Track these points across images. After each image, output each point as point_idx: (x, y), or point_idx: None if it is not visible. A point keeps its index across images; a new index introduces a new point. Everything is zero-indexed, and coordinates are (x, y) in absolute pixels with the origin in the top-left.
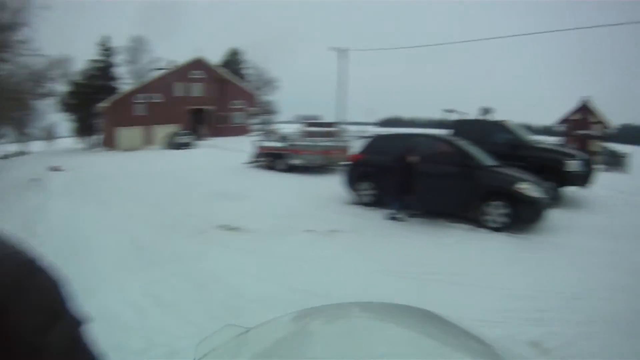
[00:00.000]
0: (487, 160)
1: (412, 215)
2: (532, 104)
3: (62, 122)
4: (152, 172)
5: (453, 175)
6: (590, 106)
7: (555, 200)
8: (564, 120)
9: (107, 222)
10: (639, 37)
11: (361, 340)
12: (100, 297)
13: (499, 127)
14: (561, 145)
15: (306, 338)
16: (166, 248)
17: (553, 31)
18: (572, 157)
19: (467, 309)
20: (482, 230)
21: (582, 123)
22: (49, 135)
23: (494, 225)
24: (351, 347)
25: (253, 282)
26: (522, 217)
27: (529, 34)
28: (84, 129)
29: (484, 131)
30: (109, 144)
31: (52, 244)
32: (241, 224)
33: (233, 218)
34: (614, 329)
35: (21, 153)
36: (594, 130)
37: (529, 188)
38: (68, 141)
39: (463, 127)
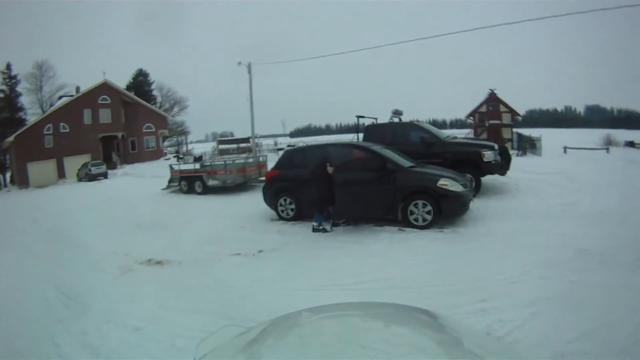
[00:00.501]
0: (405, 161)
1: (336, 225)
2: (442, 100)
3: None
4: (68, 209)
5: (373, 181)
6: (497, 97)
7: (477, 191)
8: (474, 113)
9: (27, 271)
10: (537, 32)
11: (361, 340)
12: None
13: (412, 127)
14: (475, 137)
15: (306, 337)
16: (92, 293)
17: (455, 32)
18: (488, 147)
19: None
20: (410, 229)
21: (491, 113)
22: None
23: (421, 224)
24: (351, 347)
25: (189, 317)
26: (447, 211)
27: (435, 36)
28: None
29: (396, 133)
30: (21, 181)
31: None
32: (166, 257)
33: (157, 250)
34: (558, 305)
35: None
36: (504, 119)
37: (450, 183)
38: None
39: (376, 132)
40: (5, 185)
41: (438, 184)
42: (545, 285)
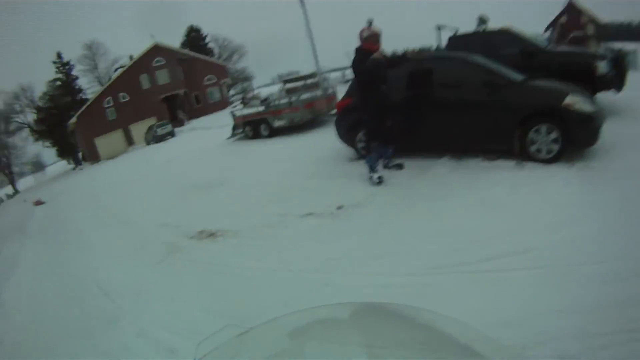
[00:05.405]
0: (513, 74)
1: (388, 168)
2: (513, 10)
3: (43, 149)
4: (130, 179)
5: (478, 101)
6: (577, 6)
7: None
8: (553, 24)
9: (75, 263)
10: None
11: (361, 340)
12: None
13: (505, 35)
14: (582, 46)
15: (306, 338)
16: (128, 289)
17: None
18: (601, 57)
19: None
20: (531, 164)
21: (572, 25)
22: (36, 167)
23: (545, 157)
24: (351, 347)
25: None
26: (578, 139)
27: None
28: (65, 149)
29: (488, 44)
30: (92, 156)
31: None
32: (220, 225)
33: (211, 216)
34: None
35: (14, 194)
36: (588, 30)
37: (580, 101)
38: (57, 166)
39: (461, 44)
40: (80, 164)
41: (565, 103)
42: None
